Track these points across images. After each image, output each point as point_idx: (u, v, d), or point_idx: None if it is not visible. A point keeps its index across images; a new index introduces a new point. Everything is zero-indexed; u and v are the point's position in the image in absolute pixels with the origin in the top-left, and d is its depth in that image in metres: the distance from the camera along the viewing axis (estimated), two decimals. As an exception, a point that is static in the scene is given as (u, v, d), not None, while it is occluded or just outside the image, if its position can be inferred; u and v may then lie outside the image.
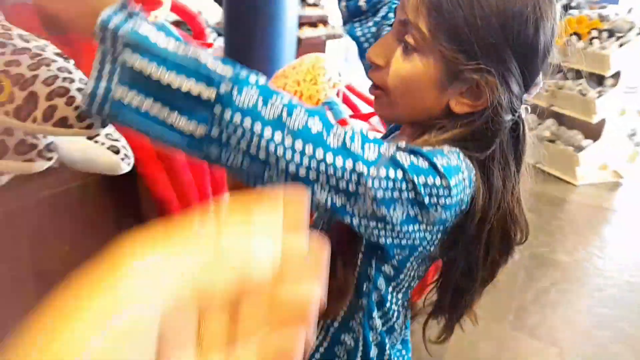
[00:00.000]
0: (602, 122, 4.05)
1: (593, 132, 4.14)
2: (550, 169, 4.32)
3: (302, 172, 0.50)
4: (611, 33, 3.99)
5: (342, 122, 1.55)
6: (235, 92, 0.47)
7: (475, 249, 0.68)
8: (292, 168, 0.50)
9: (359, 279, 0.69)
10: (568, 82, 4.18)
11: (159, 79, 0.46)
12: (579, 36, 4.12)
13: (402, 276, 0.70)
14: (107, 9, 0.46)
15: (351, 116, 1.59)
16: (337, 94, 1.62)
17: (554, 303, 2.58)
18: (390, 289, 0.71)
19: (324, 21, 5.30)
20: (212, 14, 2.91)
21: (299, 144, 0.49)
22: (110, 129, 0.80)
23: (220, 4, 3.37)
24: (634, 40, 3.81)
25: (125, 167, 0.81)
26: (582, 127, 4.19)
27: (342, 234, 0.65)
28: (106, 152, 0.77)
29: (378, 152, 0.54)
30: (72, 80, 0.57)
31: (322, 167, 0.50)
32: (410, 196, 0.55)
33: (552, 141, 4.34)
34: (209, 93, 0.47)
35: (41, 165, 0.66)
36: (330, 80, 1.57)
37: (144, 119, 0.47)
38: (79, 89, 0.57)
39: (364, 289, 0.69)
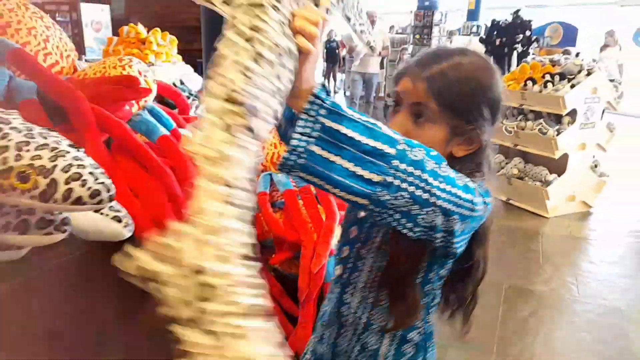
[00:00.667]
0: (565, 157, 4.29)
1: (557, 166, 4.38)
2: (522, 204, 4.51)
3: (448, 206, 0.70)
4: (562, 76, 4.30)
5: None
6: (408, 150, 0.66)
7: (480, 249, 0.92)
8: (444, 205, 0.69)
9: (422, 284, 0.88)
10: (529, 123, 4.45)
11: (352, 137, 0.63)
12: (534, 81, 4.42)
13: (446, 273, 0.90)
14: (317, 86, 0.65)
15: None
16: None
17: (534, 331, 2.68)
18: (439, 285, 0.91)
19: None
20: (193, 83, 3.10)
21: (448, 186, 0.70)
22: (113, 202, 0.93)
23: (200, 73, 3.57)
24: (584, 81, 4.12)
25: (127, 233, 0.93)
26: (547, 163, 4.43)
27: (409, 260, 0.84)
28: (111, 222, 0.90)
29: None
30: (84, 167, 0.71)
31: (459, 201, 0.71)
32: (481, 214, 0.77)
33: (520, 178, 4.56)
34: (390, 150, 0.65)
35: (58, 237, 0.79)
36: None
37: (331, 169, 0.64)
38: (90, 173, 0.70)
39: (426, 289, 0.88)
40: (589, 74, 4.15)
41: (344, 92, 12.55)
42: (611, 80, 4.34)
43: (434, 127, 0.83)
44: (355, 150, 0.64)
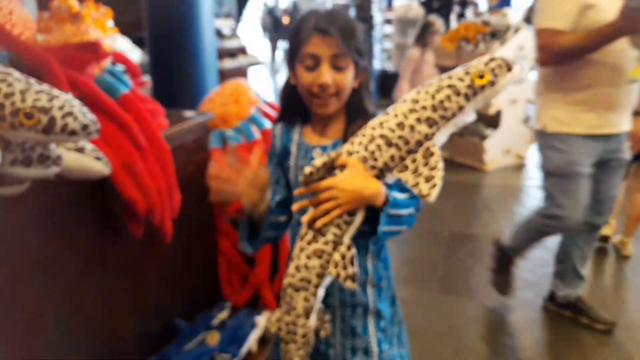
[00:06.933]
0: (499, 112, 4.65)
1: (493, 121, 4.73)
2: (462, 159, 4.87)
3: None
4: (493, 35, 4.62)
5: (265, 133, 1.89)
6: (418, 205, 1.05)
7: None
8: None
9: None
10: (465, 82, 4.76)
11: (402, 215, 1.02)
12: (468, 40, 4.73)
13: None
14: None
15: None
16: (260, 111, 1.96)
17: (472, 268, 3.01)
18: None
19: (243, 51, 5.65)
20: (133, 56, 3.16)
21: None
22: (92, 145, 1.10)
23: (141, 46, 3.58)
24: (511, 38, 4.45)
25: (107, 170, 1.11)
26: (483, 118, 4.78)
27: None
28: (93, 160, 1.08)
29: None
30: (74, 106, 0.89)
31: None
32: None
33: (460, 135, 4.89)
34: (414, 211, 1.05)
35: (55, 170, 0.97)
36: (249, 100, 1.92)
37: (394, 233, 1.03)
38: (80, 111, 0.89)
39: None
40: (516, 31, 4.48)
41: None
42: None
43: (349, 69, 1.07)
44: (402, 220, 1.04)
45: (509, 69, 0.94)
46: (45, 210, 1.15)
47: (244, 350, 1.68)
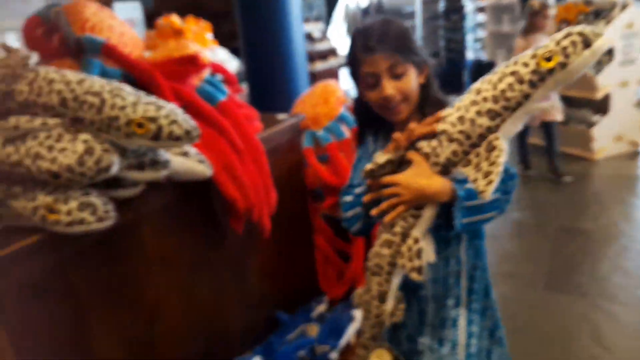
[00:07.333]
0: (607, 97, 4.28)
1: (601, 106, 4.37)
2: (568, 149, 4.54)
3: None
4: (597, 14, 4.27)
5: (354, 130, 1.92)
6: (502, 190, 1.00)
7: None
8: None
9: None
10: (567, 66, 4.44)
11: (481, 204, 0.98)
12: (568, 22, 4.41)
13: None
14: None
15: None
16: (349, 110, 2.00)
17: (581, 264, 2.82)
18: None
19: (333, 52, 5.75)
20: (231, 66, 3.38)
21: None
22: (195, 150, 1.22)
23: (237, 55, 3.83)
24: (618, 17, 4.08)
25: (210, 172, 1.22)
26: (590, 104, 4.43)
27: None
28: (196, 163, 1.19)
29: None
30: (177, 114, 1.00)
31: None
32: None
33: (565, 123, 4.57)
34: (494, 195, 0.97)
35: (165, 173, 1.09)
36: (338, 99, 1.97)
37: (478, 222, 1.01)
38: (183, 118, 0.99)
39: None
40: (623, 8, 4.11)
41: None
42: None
43: (409, 72, 1.09)
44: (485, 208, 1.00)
45: (587, 45, 0.82)
46: (158, 210, 1.28)
47: (342, 342, 1.73)
